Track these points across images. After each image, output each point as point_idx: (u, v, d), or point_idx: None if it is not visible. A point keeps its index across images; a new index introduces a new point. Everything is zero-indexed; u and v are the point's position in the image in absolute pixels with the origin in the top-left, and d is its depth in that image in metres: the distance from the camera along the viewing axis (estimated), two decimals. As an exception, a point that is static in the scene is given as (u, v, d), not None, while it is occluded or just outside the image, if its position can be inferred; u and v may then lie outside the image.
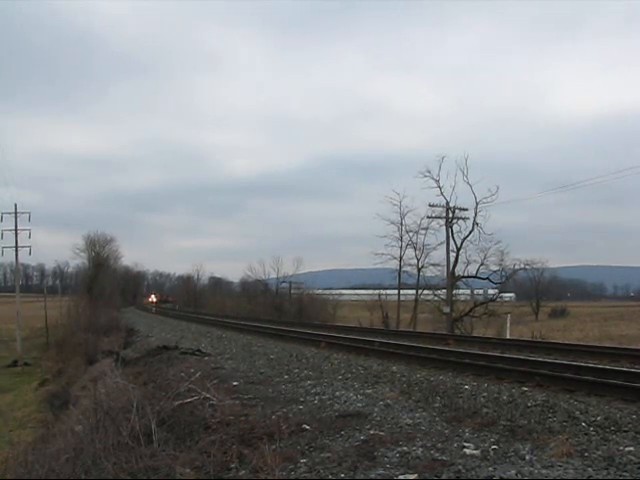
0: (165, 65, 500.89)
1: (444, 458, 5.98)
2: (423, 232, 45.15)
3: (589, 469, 5.50)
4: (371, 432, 7.25)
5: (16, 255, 49.18)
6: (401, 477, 5.47)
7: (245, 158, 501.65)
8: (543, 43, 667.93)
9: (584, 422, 7.49)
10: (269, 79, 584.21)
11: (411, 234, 46.40)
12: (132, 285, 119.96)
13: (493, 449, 6.31)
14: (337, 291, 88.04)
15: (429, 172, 40.19)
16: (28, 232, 49.25)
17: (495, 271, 41.33)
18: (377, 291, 57.45)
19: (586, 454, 6.02)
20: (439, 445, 6.54)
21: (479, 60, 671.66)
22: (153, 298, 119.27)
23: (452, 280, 39.88)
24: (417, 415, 8.27)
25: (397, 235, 47.01)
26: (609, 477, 5.31)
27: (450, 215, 39.49)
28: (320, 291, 78.49)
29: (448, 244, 39.47)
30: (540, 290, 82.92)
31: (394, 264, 48.10)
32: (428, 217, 41.45)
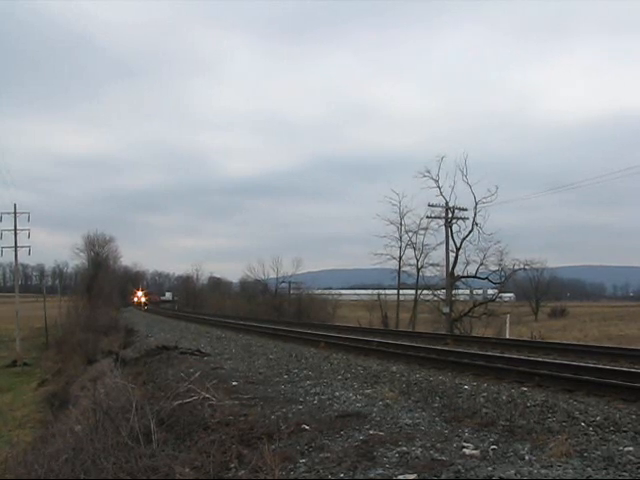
0: (163, 68, 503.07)
1: (443, 458, 5.98)
2: (422, 232, 45.28)
3: (588, 469, 5.50)
4: (370, 432, 7.24)
5: (15, 255, 49.16)
6: (400, 477, 5.47)
7: (243, 159, 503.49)
8: (539, 44, 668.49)
9: (583, 422, 7.49)
10: (266, 81, 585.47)
11: (410, 234, 46.53)
12: (131, 285, 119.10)
13: (492, 449, 6.31)
14: (336, 291, 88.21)
15: (428, 172, 40.21)
16: (27, 232, 49.27)
17: (494, 271, 41.33)
18: (376, 291, 57.53)
19: (585, 454, 6.01)
20: (438, 445, 6.54)
21: (476, 61, 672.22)
22: (141, 297, 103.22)
23: (451, 280, 39.88)
24: (416, 415, 8.27)
25: (396, 235, 47.15)
26: (608, 477, 5.30)
27: (449, 215, 39.47)
28: (319, 291, 78.65)
29: (447, 244, 39.51)
30: (539, 290, 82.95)
31: (393, 264, 48.23)
32: (427, 217, 41.51)
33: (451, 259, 40.07)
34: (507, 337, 28.66)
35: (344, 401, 9.52)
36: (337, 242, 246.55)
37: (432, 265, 45.82)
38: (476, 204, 39.06)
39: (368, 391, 10.41)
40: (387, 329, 41.49)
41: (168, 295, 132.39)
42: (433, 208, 39.83)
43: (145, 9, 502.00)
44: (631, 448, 6.17)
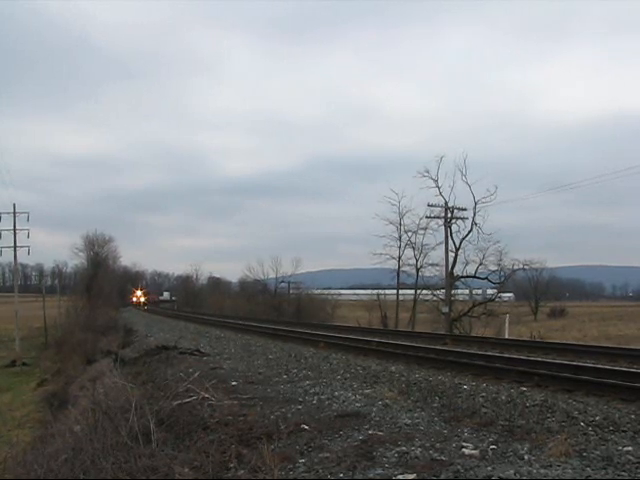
0: (161, 68, 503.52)
1: (443, 458, 5.98)
2: (422, 232, 45.33)
3: (587, 469, 5.50)
4: (370, 432, 7.24)
5: (15, 255, 49.17)
6: (400, 477, 5.46)
7: (243, 159, 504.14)
8: (539, 44, 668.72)
9: (582, 422, 7.49)
10: (266, 81, 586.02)
11: (410, 234, 46.59)
12: (131, 285, 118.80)
13: (492, 449, 6.31)
14: (336, 291, 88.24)
15: (428, 172, 40.24)
16: (27, 232, 49.31)
17: (494, 271, 41.39)
18: (376, 291, 57.52)
19: (584, 454, 6.01)
20: (438, 445, 6.54)
21: (476, 61, 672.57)
22: (140, 297, 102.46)
23: (451, 280, 39.89)
24: (416, 415, 8.27)
25: (396, 235, 47.20)
26: (607, 477, 5.31)
27: (449, 215, 39.46)
28: (319, 291, 78.71)
29: (447, 244, 39.52)
30: (539, 290, 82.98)
31: (393, 264, 48.26)
32: (427, 217, 41.53)
33: (450, 259, 40.14)
34: (506, 337, 28.67)
35: (343, 401, 9.52)
36: (336, 242, 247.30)
37: (431, 265, 45.92)
38: (475, 204, 39.14)
39: (367, 391, 10.41)
40: (386, 329, 41.49)
41: (166, 295, 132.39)
42: (432, 208, 39.89)
43: (144, 9, 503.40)
44: (630, 448, 6.18)
